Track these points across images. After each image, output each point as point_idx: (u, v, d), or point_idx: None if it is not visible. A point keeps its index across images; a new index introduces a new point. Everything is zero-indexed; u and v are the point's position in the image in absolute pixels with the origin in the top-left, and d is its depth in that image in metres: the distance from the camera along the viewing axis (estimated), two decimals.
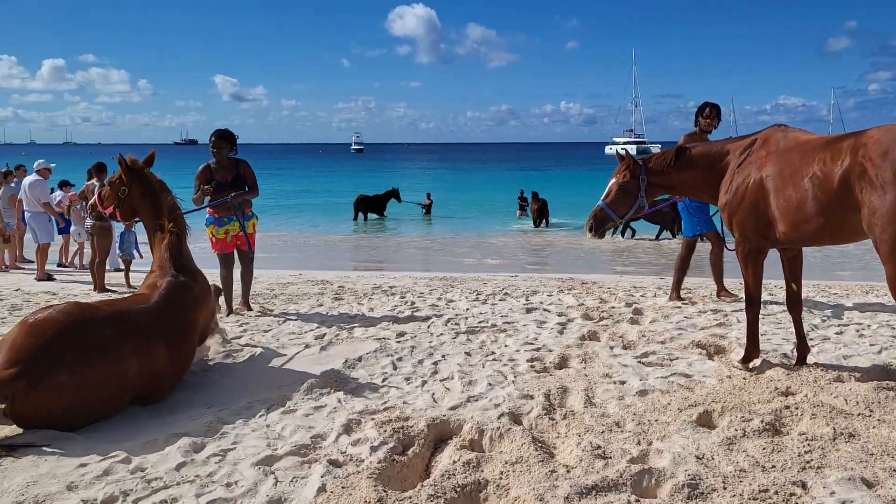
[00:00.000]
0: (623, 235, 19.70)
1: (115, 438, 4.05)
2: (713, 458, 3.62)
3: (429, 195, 29.39)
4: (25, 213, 12.90)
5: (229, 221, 7.31)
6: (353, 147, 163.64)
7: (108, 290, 9.86)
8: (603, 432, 3.99)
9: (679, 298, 7.85)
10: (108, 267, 10.71)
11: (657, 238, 19.05)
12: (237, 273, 7.66)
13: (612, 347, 5.81)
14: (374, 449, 3.77)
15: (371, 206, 27.47)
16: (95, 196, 5.91)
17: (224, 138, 7.35)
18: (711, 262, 7.89)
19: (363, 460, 3.66)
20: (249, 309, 7.67)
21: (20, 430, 4.10)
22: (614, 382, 4.90)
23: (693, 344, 5.81)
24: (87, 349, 4.18)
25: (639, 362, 5.39)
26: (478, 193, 40.08)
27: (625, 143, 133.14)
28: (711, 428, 4.09)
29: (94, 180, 10.88)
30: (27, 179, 12.93)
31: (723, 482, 3.33)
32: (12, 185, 13.61)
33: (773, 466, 3.51)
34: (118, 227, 10.28)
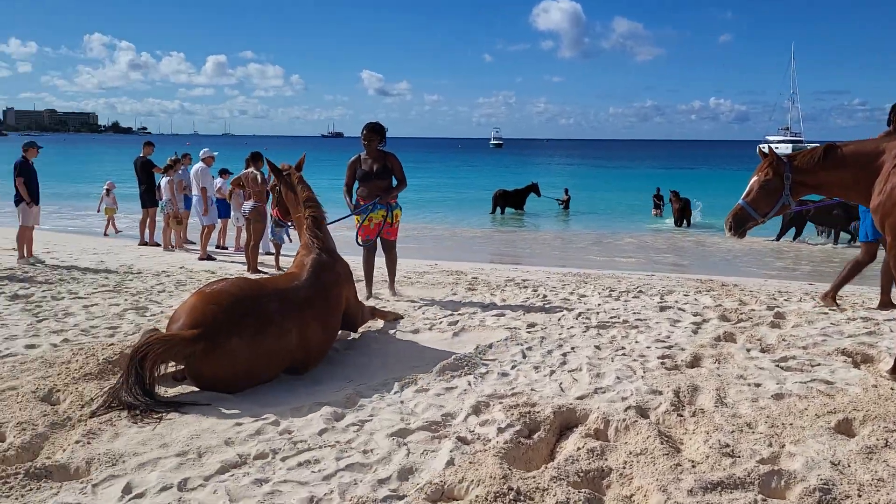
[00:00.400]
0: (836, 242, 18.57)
1: (265, 403, 4.45)
2: (849, 466, 3.50)
3: (566, 191, 29.18)
4: (193, 197, 14.06)
5: (373, 210, 7.67)
6: (493, 142, 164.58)
7: (259, 272, 10.61)
8: (733, 432, 3.94)
9: (834, 303, 7.43)
10: (260, 250, 11.51)
11: (834, 243, 17.70)
12: (381, 261, 8.07)
13: (748, 350, 5.66)
14: (500, 430, 3.93)
15: (510, 200, 27.56)
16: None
17: (375, 131, 7.70)
18: (882, 271, 7.35)
19: (490, 440, 3.83)
20: (394, 294, 8.09)
21: (184, 391, 4.60)
22: (748, 384, 4.79)
23: (838, 351, 5.55)
24: (258, 320, 4.64)
25: (777, 366, 5.22)
26: (617, 191, 39.29)
27: (779, 141, 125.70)
28: (850, 436, 3.94)
29: (251, 168, 11.70)
30: (194, 167, 14.10)
31: (858, 490, 3.23)
32: (180, 172, 14.87)
33: None
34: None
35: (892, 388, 4.64)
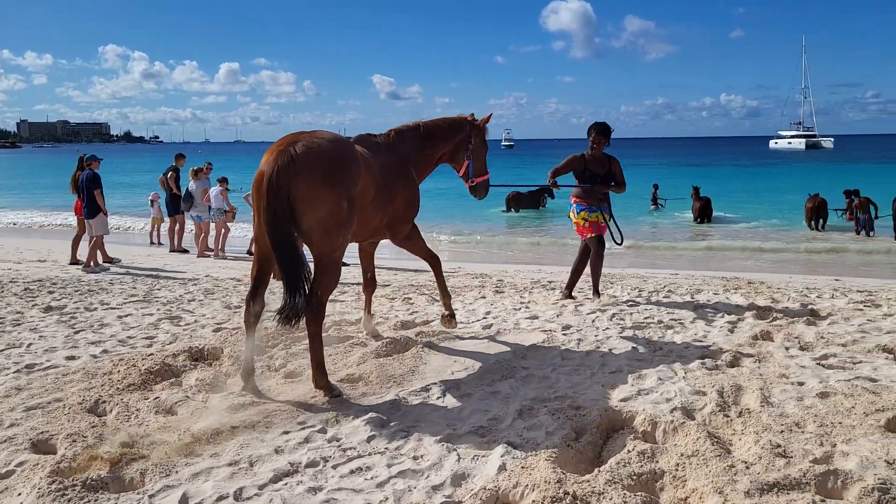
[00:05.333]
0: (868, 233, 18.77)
1: (308, 409, 4.44)
2: None
3: (655, 188, 28.62)
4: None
5: (594, 211, 7.67)
6: (504, 143, 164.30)
7: None
8: (782, 432, 3.91)
9: None
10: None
11: None
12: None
13: (787, 348, 5.62)
14: (549, 434, 3.93)
15: (524, 202, 27.64)
16: None
17: (603, 133, 7.67)
18: None
19: (539, 444, 3.82)
20: (598, 295, 7.95)
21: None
22: (792, 383, 4.76)
23: (879, 348, 5.51)
24: None
25: (817, 364, 5.19)
26: (634, 187, 39.10)
27: (792, 136, 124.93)
28: None
29: None
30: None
31: None
32: (204, 181, 15.00)
33: None
34: None
35: None
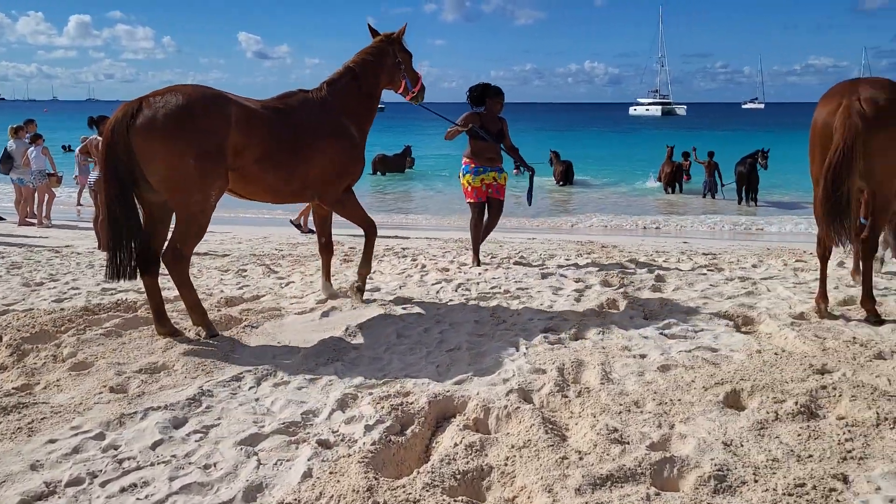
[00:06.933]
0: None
1: (87, 409, 3.75)
2: (742, 446, 3.25)
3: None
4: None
5: (485, 171, 7.57)
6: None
7: None
8: (620, 413, 3.64)
9: None
10: None
11: None
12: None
13: (632, 317, 5.43)
14: (368, 428, 3.45)
15: (390, 165, 27.28)
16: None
17: (501, 95, 7.81)
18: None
19: (356, 441, 3.35)
20: (478, 262, 7.80)
21: None
22: (634, 356, 4.53)
23: (720, 314, 5.42)
24: None
25: (661, 334, 5.01)
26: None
27: (650, 103, 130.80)
28: (740, 409, 3.73)
29: (96, 135, 10.61)
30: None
31: (753, 474, 2.97)
32: (24, 140, 13.38)
33: (810, 456, 3.14)
34: None
35: (775, 354, 4.51)
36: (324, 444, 3.32)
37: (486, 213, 7.74)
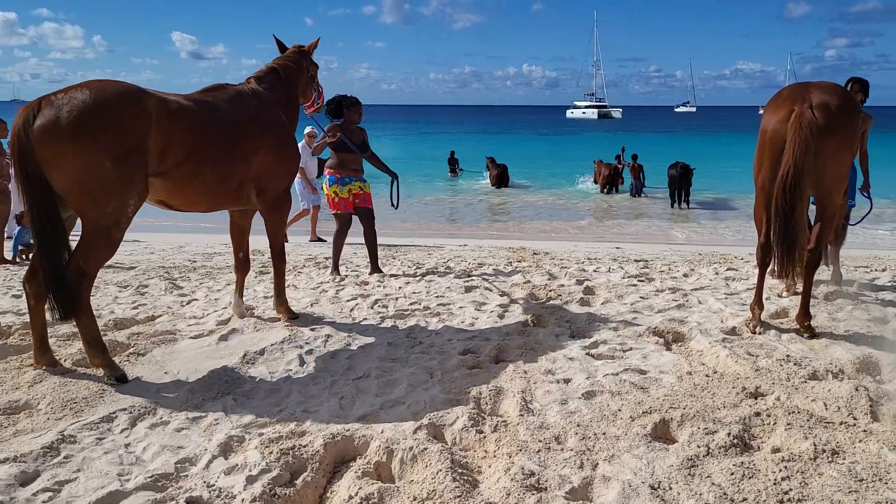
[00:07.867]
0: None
1: None
2: (671, 489, 2.93)
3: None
4: None
5: (350, 182, 7.54)
6: None
7: (6, 261, 8.85)
8: (539, 451, 3.26)
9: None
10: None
11: None
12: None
13: (557, 336, 5.08)
14: (251, 480, 2.99)
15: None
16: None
17: (359, 105, 7.74)
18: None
19: (234, 497, 2.88)
20: (379, 271, 7.63)
21: None
22: (557, 381, 4.17)
23: (649, 331, 5.12)
24: None
25: (587, 354, 4.67)
26: (437, 152, 39.03)
27: (586, 106, 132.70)
28: (669, 442, 3.41)
29: None
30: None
31: None
32: None
33: (744, 500, 2.83)
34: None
35: (706, 376, 4.22)
36: (194, 503, 2.84)
37: (361, 224, 7.68)
